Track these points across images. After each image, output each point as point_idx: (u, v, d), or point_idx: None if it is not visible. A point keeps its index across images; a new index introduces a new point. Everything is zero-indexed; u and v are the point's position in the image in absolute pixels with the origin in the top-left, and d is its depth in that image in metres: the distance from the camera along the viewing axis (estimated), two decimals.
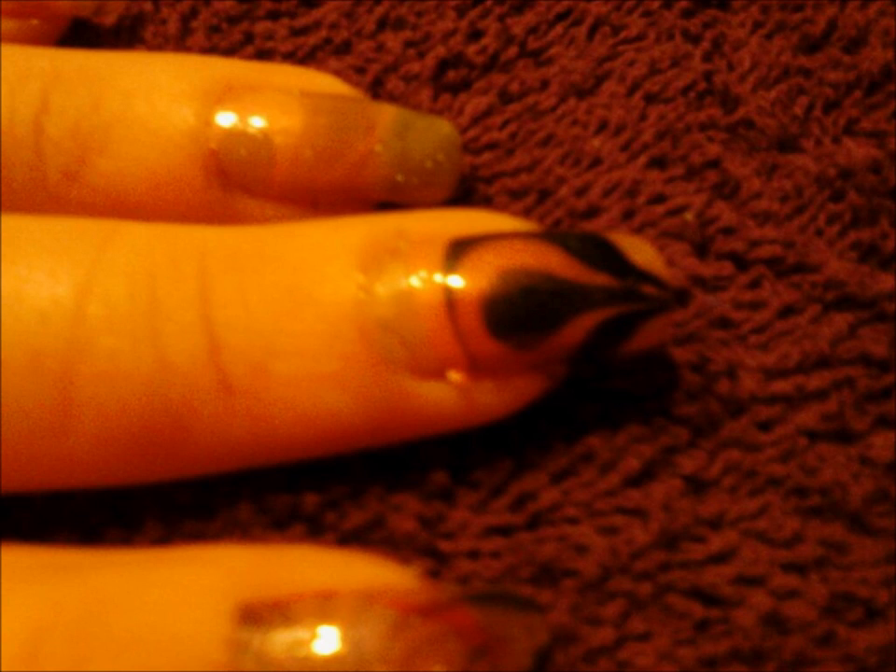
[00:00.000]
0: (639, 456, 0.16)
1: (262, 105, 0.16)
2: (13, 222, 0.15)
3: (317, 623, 0.13)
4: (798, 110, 0.19)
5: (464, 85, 0.19)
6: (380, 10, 0.20)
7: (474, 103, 0.19)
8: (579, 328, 0.14)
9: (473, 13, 0.20)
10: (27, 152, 0.16)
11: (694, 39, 0.20)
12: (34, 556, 0.14)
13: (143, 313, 0.14)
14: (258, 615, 0.13)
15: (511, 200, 0.18)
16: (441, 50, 0.19)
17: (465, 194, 0.18)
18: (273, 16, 0.20)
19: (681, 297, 0.17)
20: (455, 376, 0.15)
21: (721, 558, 0.15)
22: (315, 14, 0.20)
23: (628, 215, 0.18)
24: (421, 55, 0.19)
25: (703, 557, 0.15)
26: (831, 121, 0.19)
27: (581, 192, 0.18)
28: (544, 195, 0.18)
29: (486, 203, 0.18)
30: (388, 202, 0.17)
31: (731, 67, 0.19)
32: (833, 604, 0.15)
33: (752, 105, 0.19)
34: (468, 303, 0.14)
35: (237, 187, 0.16)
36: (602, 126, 0.19)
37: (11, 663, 0.12)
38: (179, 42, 0.19)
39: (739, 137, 0.18)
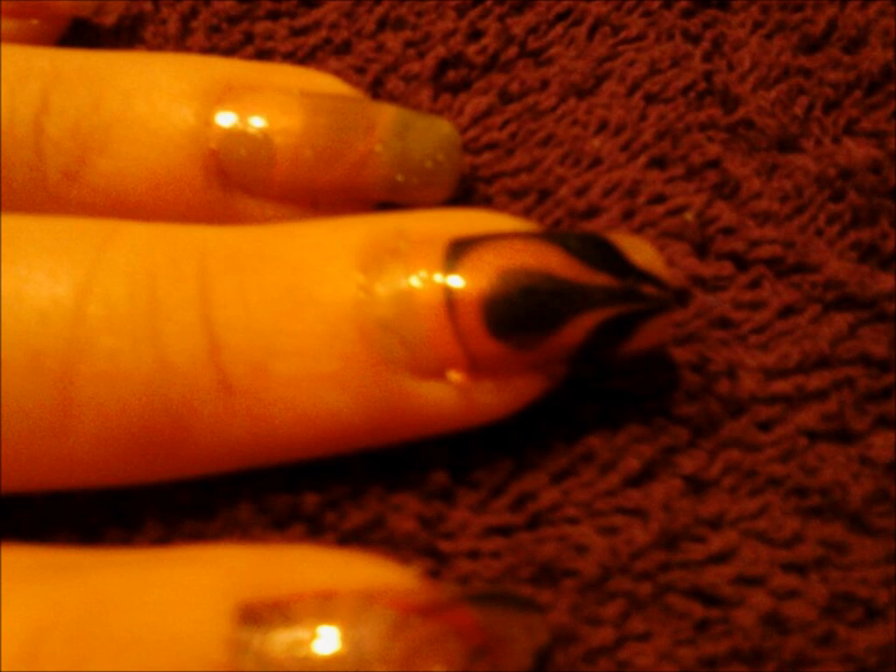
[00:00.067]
0: (639, 456, 0.16)
1: (262, 105, 0.16)
2: (13, 222, 0.15)
3: (317, 623, 0.13)
4: (798, 110, 0.19)
5: (464, 85, 0.19)
6: (380, 10, 0.20)
7: (474, 103, 0.19)
8: (579, 328, 0.14)
9: (473, 13, 0.20)
10: (27, 152, 0.16)
11: (694, 39, 0.20)
12: (34, 556, 0.14)
13: (143, 313, 0.14)
14: (258, 615, 0.13)
15: (510, 200, 0.18)
16: (440, 50, 0.19)
17: (465, 194, 0.18)
18: (273, 16, 0.20)
19: (681, 297, 0.17)
20: (454, 376, 0.15)
21: (720, 558, 0.15)
22: (315, 14, 0.20)
23: (628, 215, 0.18)
24: (421, 55, 0.19)
25: (703, 557, 0.15)
26: (831, 121, 0.19)
27: (581, 192, 0.18)
28: (544, 195, 0.18)
29: (486, 203, 0.18)
30: (388, 202, 0.17)
31: (731, 67, 0.19)
32: (833, 604, 0.15)
33: (752, 104, 0.19)
34: (468, 303, 0.14)
35: (237, 187, 0.16)
36: (602, 126, 0.19)
37: (11, 663, 0.12)
38: (179, 42, 0.19)
39: (739, 137, 0.18)
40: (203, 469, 0.15)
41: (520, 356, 0.15)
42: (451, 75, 0.19)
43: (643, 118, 0.19)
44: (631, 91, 0.19)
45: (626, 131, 0.18)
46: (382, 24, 0.20)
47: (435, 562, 0.15)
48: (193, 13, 0.20)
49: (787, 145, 0.18)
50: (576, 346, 0.15)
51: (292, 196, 0.16)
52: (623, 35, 0.20)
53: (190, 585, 0.13)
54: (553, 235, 0.15)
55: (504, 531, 0.15)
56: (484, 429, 0.15)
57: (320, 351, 0.14)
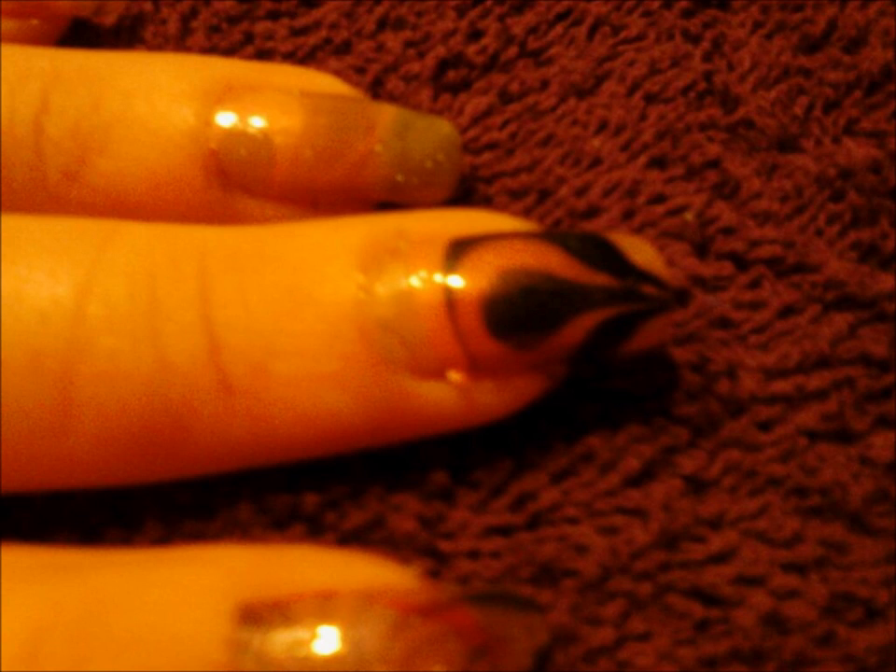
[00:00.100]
0: (639, 456, 0.16)
1: (262, 105, 0.16)
2: (13, 222, 0.15)
3: (317, 623, 0.13)
4: (798, 110, 0.19)
5: (464, 85, 0.19)
6: (380, 10, 0.20)
7: (474, 103, 0.19)
8: (579, 328, 0.14)
9: (473, 13, 0.20)
10: (27, 152, 0.16)
11: (694, 39, 0.20)
12: (34, 556, 0.14)
13: (143, 313, 0.14)
14: (258, 615, 0.13)
15: (510, 200, 0.18)
16: (440, 50, 0.19)
17: (465, 194, 0.18)
18: (273, 16, 0.20)
19: (681, 297, 0.17)
20: (454, 376, 0.15)
21: (721, 558, 0.15)
22: (315, 14, 0.20)
23: (628, 215, 0.18)
24: (421, 55, 0.19)
25: (703, 557, 0.15)
26: (831, 121, 0.19)
27: (581, 192, 0.18)
28: (544, 195, 0.18)
29: (486, 203, 0.18)
30: (388, 202, 0.17)
31: (731, 67, 0.19)
32: (833, 604, 0.15)
33: (752, 104, 0.19)
34: (468, 303, 0.14)
35: (237, 187, 0.16)
36: (602, 126, 0.19)
37: (11, 663, 0.12)
38: (179, 42, 0.19)
39: (739, 137, 0.18)
40: (203, 469, 0.15)
41: (520, 356, 0.15)
42: (451, 75, 0.19)
43: (643, 118, 0.19)
44: (631, 91, 0.19)
45: (626, 131, 0.18)
46: (382, 24, 0.20)
47: (435, 562, 0.15)
48: (193, 13, 0.20)
49: (787, 145, 0.18)
50: (576, 346, 0.15)
51: (292, 196, 0.16)
52: (623, 34, 0.20)
53: (190, 585, 0.13)
54: (552, 235, 0.15)
55: (504, 531, 0.15)
56: (484, 429, 0.15)
57: (320, 351, 0.14)
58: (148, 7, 0.20)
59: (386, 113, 0.17)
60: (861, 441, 0.16)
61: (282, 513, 0.15)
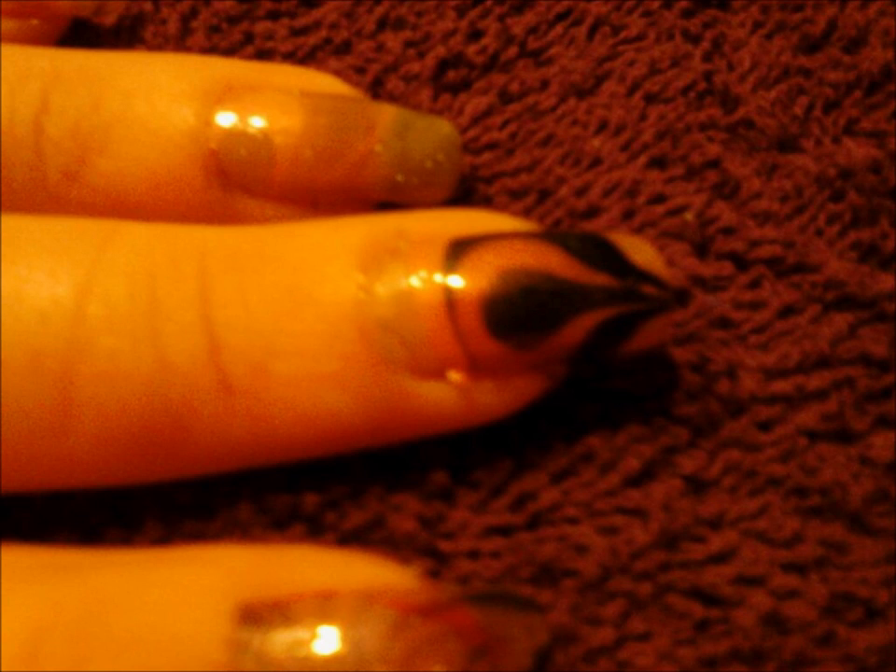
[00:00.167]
0: (639, 456, 0.16)
1: (262, 105, 0.16)
2: (13, 222, 0.15)
3: (317, 623, 0.13)
4: (798, 110, 0.19)
5: (464, 85, 0.19)
6: (380, 10, 0.20)
7: (474, 103, 0.19)
8: (579, 328, 0.14)
9: (473, 13, 0.20)
10: (27, 152, 0.16)
11: (694, 39, 0.20)
12: (34, 556, 0.14)
13: (143, 313, 0.14)
14: (258, 615, 0.13)
15: (510, 200, 0.18)
16: (440, 50, 0.19)
17: (465, 194, 0.18)
18: (273, 16, 0.20)
19: (681, 297, 0.17)
20: (454, 376, 0.15)
21: (721, 558, 0.15)
22: (315, 14, 0.20)
23: (628, 215, 0.18)
24: (421, 55, 0.19)
25: (703, 557, 0.15)
26: (831, 121, 0.19)
27: (581, 192, 0.18)
28: (544, 195, 0.18)
29: (486, 203, 0.18)
30: (388, 202, 0.17)
31: (731, 67, 0.19)
32: (833, 604, 0.15)
33: (752, 104, 0.19)
34: (468, 303, 0.14)
35: (237, 187, 0.16)
36: (602, 126, 0.19)
37: (11, 663, 0.12)
38: (179, 42, 0.19)
39: (739, 137, 0.18)
40: (203, 469, 0.15)
41: (520, 356, 0.15)
42: (451, 75, 0.19)
43: (643, 118, 0.19)
44: (631, 91, 0.19)
45: (626, 131, 0.18)
46: (382, 24, 0.20)
47: (435, 562, 0.15)
48: (193, 13, 0.20)
49: (787, 145, 0.18)
50: (576, 346, 0.15)
51: (292, 196, 0.16)
52: (623, 34, 0.20)
53: (190, 585, 0.13)
54: (552, 235, 0.15)
55: (504, 531, 0.15)
56: (484, 429, 0.15)
57: (320, 351, 0.14)
58: (148, 6, 0.20)
59: (386, 113, 0.17)
60: (860, 441, 0.16)
61: (282, 513, 0.15)
